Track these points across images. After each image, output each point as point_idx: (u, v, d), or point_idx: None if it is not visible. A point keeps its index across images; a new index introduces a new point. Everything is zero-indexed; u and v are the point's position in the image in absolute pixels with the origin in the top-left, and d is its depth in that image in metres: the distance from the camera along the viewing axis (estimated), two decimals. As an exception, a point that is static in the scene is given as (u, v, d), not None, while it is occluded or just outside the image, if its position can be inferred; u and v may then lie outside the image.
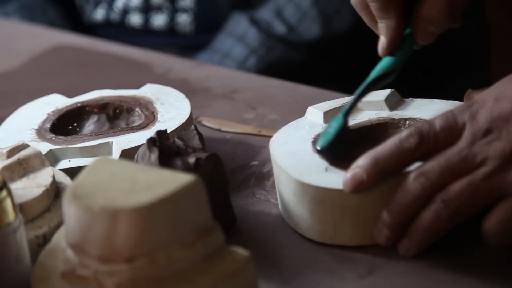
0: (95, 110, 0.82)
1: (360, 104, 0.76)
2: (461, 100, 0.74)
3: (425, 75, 1.28)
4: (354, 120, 0.74)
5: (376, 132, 0.73)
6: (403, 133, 0.66)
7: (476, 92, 0.73)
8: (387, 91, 0.76)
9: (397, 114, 0.74)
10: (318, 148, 0.70)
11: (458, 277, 0.64)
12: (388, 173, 0.65)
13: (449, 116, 0.65)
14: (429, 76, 1.29)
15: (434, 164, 0.64)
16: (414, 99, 0.76)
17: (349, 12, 1.23)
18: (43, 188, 0.67)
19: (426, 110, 0.74)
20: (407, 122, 0.73)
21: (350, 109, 0.71)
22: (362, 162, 0.65)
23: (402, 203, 0.65)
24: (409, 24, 0.73)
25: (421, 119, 0.73)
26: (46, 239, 0.65)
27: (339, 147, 0.70)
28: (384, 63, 0.73)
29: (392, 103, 0.75)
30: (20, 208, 0.65)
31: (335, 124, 0.71)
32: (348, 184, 0.65)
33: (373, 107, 0.75)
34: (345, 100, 0.76)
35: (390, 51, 0.73)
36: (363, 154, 0.66)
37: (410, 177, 0.64)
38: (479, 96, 0.68)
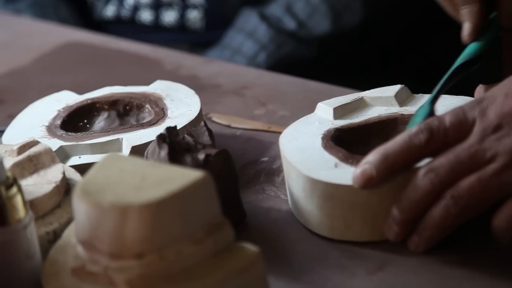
0: (105, 106, 0.82)
1: (370, 100, 0.76)
2: (471, 96, 0.74)
3: (435, 70, 1.27)
4: (364, 116, 0.74)
5: (386, 128, 0.73)
6: (413, 129, 0.65)
7: (486, 88, 0.73)
8: (397, 87, 0.76)
9: (407, 109, 0.74)
10: None
11: (468, 273, 0.64)
12: (398, 169, 0.65)
13: (459, 112, 0.65)
14: (439, 71, 1.28)
15: (444, 160, 0.64)
16: (424, 94, 0.76)
17: (359, 7, 1.23)
18: (53, 185, 0.67)
19: (436, 105, 0.74)
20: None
21: (436, 97, 0.70)
22: (371, 158, 0.65)
23: (411, 199, 0.64)
24: (493, 9, 0.72)
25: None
26: (56, 235, 0.65)
27: None
28: (470, 49, 0.72)
29: (402, 99, 0.75)
30: (31, 204, 0.65)
31: (422, 112, 0.70)
32: (358, 180, 0.65)
33: (383, 103, 0.75)
34: (355, 96, 0.76)
35: (475, 37, 0.72)
36: (373, 150, 0.66)
37: (419, 173, 0.64)
38: (489, 92, 0.68)
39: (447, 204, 0.63)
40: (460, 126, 0.65)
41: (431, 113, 0.69)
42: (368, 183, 0.65)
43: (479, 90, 0.73)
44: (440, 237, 0.65)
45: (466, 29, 0.72)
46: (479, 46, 0.72)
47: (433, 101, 0.70)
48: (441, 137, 0.65)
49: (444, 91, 0.71)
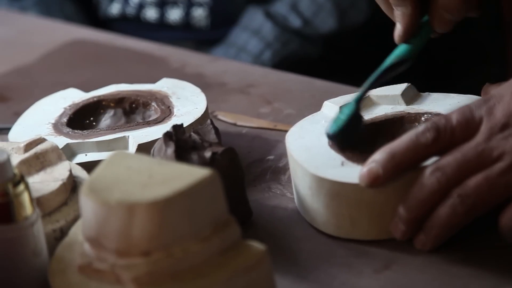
0: (112, 104, 0.82)
1: (376, 99, 0.76)
2: (478, 94, 0.74)
3: (442, 69, 1.27)
4: (371, 115, 0.74)
5: (392, 126, 0.73)
6: (420, 127, 0.65)
7: (493, 86, 0.72)
8: (404, 85, 0.76)
9: (414, 108, 0.74)
10: (329, 133, 0.70)
11: (474, 272, 0.64)
12: (404, 167, 0.65)
13: (466, 110, 0.65)
14: (446, 70, 1.28)
15: (451, 159, 0.64)
16: (430, 93, 0.76)
17: (364, 5, 1.23)
18: (60, 182, 0.67)
19: (442, 104, 0.74)
20: (424, 116, 0.73)
21: (362, 96, 0.71)
22: (378, 157, 0.65)
23: (418, 197, 0.64)
24: (426, 12, 0.73)
25: (437, 114, 0.72)
26: (63, 232, 0.65)
27: (350, 133, 0.70)
28: (400, 50, 0.73)
29: (408, 98, 0.75)
30: (37, 202, 0.65)
31: (347, 110, 0.71)
32: (364, 179, 0.65)
33: (389, 101, 0.75)
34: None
35: (406, 38, 0.73)
36: (379, 148, 0.66)
37: (426, 171, 0.64)
38: (496, 90, 0.68)
39: (454, 203, 0.63)
40: (467, 125, 0.65)
41: (356, 111, 0.70)
42: (375, 181, 0.65)
43: (486, 88, 0.73)
44: (447, 236, 0.65)
45: (398, 30, 0.73)
46: (409, 48, 0.72)
47: (359, 99, 0.71)
48: (448, 135, 0.65)
49: (370, 90, 0.72)
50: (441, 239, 0.65)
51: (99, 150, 0.76)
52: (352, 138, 0.70)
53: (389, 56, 0.73)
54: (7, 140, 0.81)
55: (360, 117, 0.71)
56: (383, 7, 0.75)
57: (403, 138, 0.65)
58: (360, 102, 0.71)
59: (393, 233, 0.66)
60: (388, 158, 0.65)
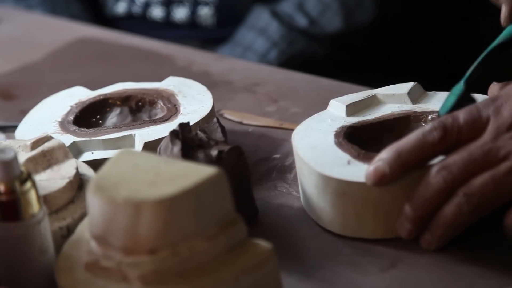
0: (118, 102, 0.83)
1: (383, 97, 0.76)
2: (485, 94, 0.74)
3: (449, 68, 1.27)
4: (377, 113, 0.74)
5: (399, 125, 0.73)
6: (426, 126, 0.65)
7: (500, 85, 0.72)
8: (410, 84, 0.76)
9: (420, 107, 0.74)
10: (440, 113, 0.69)
11: (481, 271, 0.64)
12: (411, 166, 0.65)
13: (473, 110, 0.65)
14: (452, 69, 1.28)
15: (457, 157, 0.64)
16: (437, 92, 0.76)
17: (370, 5, 1.22)
18: (66, 180, 0.67)
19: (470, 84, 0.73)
20: (430, 115, 0.73)
21: (472, 76, 0.70)
22: (384, 155, 0.65)
23: (424, 196, 0.64)
24: None
25: (444, 113, 0.72)
26: (69, 230, 0.66)
27: None
28: (507, 32, 0.72)
29: (415, 96, 0.75)
30: (44, 199, 0.65)
31: (456, 91, 0.69)
32: (371, 177, 0.65)
33: (395, 100, 0.75)
34: (367, 93, 0.76)
35: (511, 20, 0.72)
36: (385, 147, 0.66)
37: (432, 170, 0.64)
38: (503, 90, 0.67)
39: (460, 202, 0.63)
40: (474, 124, 0.65)
41: (466, 91, 0.69)
42: (381, 180, 0.65)
43: (493, 88, 0.73)
44: (453, 235, 0.65)
45: (503, 12, 0.73)
46: None
47: (468, 79, 0.70)
48: (454, 134, 0.65)
49: (480, 72, 0.71)
50: (446, 238, 0.65)
51: (106, 148, 0.76)
52: None
53: (497, 38, 0.72)
54: (14, 138, 0.81)
55: (470, 97, 0.69)
56: None
57: (409, 137, 0.65)
58: (469, 82, 0.69)
59: (399, 232, 0.66)
60: (394, 156, 0.65)
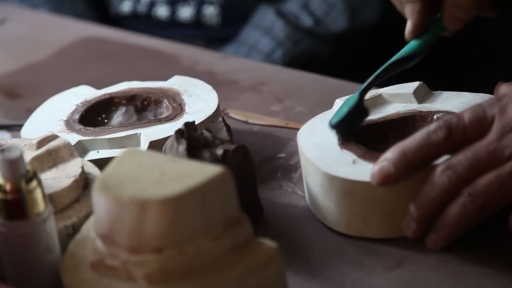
0: (123, 101, 0.83)
1: (388, 97, 0.76)
2: (491, 93, 0.74)
3: (454, 67, 1.27)
4: (382, 113, 0.74)
5: (404, 125, 0.73)
6: (431, 126, 0.65)
7: (506, 85, 0.72)
8: (416, 84, 0.76)
9: (426, 106, 0.74)
10: (330, 123, 0.70)
11: (486, 271, 0.64)
12: (416, 166, 0.65)
13: (478, 109, 0.65)
14: (458, 68, 1.28)
15: (462, 157, 0.64)
16: (442, 91, 0.76)
17: (376, 5, 1.22)
18: (72, 179, 0.68)
19: (454, 102, 0.73)
20: (436, 115, 0.73)
21: (366, 88, 0.72)
22: (389, 155, 0.65)
23: (429, 196, 0.64)
24: (438, 9, 0.73)
25: (449, 112, 0.72)
26: (75, 229, 0.66)
27: (351, 124, 0.70)
28: (409, 46, 0.73)
29: (420, 96, 0.75)
30: (50, 198, 0.65)
31: (350, 101, 0.71)
32: (376, 177, 0.65)
33: (401, 99, 0.75)
34: (373, 92, 0.76)
35: (415, 34, 0.73)
36: (391, 147, 0.66)
37: (437, 170, 0.64)
38: (509, 89, 0.67)
39: (465, 202, 0.63)
40: (479, 124, 0.65)
41: (359, 102, 0.71)
42: (386, 180, 0.65)
43: (498, 87, 0.72)
44: (458, 235, 0.65)
45: (408, 26, 0.73)
46: (418, 44, 0.73)
47: (363, 91, 0.71)
48: (459, 134, 0.65)
49: (376, 83, 0.72)
50: (452, 238, 0.65)
51: (111, 147, 0.76)
52: (353, 128, 0.70)
53: (399, 52, 0.73)
54: (19, 136, 0.81)
55: (364, 109, 0.71)
56: (395, 3, 0.75)
57: (414, 136, 0.65)
58: (363, 94, 0.71)
59: (404, 231, 0.66)
60: (399, 156, 0.65)
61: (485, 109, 0.65)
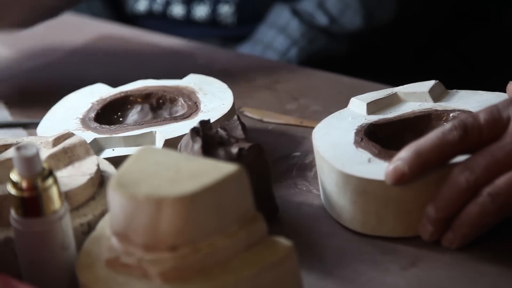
0: (139, 100, 0.83)
1: (403, 96, 0.75)
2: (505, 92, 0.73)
3: (470, 66, 1.26)
4: (397, 112, 0.74)
5: (420, 123, 0.73)
6: (447, 125, 0.65)
7: None
8: (431, 82, 0.75)
9: (441, 105, 0.74)
10: None
11: (502, 270, 0.63)
12: (430, 165, 0.65)
13: (494, 110, 0.65)
14: (474, 67, 1.27)
15: (480, 158, 0.64)
16: (458, 90, 0.76)
17: (391, 4, 1.22)
18: (88, 177, 0.68)
19: (470, 101, 0.73)
20: (451, 113, 0.72)
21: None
22: (404, 155, 0.65)
23: (446, 197, 0.64)
24: None
25: (465, 111, 0.72)
26: (90, 227, 0.66)
27: None
28: None
29: (436, 95, 0.75)
30: (65, 196, 0.65)
31: None
32: (390, 177, 0.65)
33: (416, 98, 0.75)
34: (388, 91, 0.76)
35: None
36: (406, 145, 0.66)
37: (455, 171, 0.64)
38: None
39: (485, 202, 0.63)
40: (495, 124, 0.65)
41: None
42: (400, 179, 0.65)
43: (511, 86, 0.72)
44: (475, 235, 0.65)
45: None
46: None
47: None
48: (475, 134, 0.65)
49: None
50: (468, 238, 0.65)
51: (126, 145, 0.77)
52: None
53: None
54: (35, 134, 0.81)
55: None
56: None
57: (429, 136, 0.65)
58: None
59: (421, 234, 0.66)
60: (414, 156, 0.65)
61: (500, 110, 0.65)
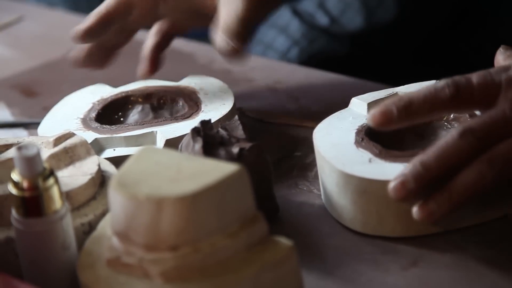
0: (140, 100, 0.83)
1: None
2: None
3: (470, 66, 1.26)
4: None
5: (420, 123, 0.73)
6: (439, 82, 0.64)
7: (506, 56, 0.70)
8: (432, 83, 0.75)
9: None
10: None
11: (502, 270, 0.63)
12: (418, 116, 0.63)
13: (486, 74, 0.64)
14: (474, 67, 1.27)
15: (480, 121, 0.62)
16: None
17: (392, 3, 1.22)
18: (88, 177, 0.68)
19: None
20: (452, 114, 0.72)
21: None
22: (394, 101, 0.63)
23: (443, 155, 0.61)
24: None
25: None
26: (91, 226, 0.66)
27: None
28: None
29: (436, 95, 0.75)
30: (66, 196, 0.65)
31: None
32: (376, 119, 0.63)
33: (417, 98, 0.75)
34: (389, 91, 0.76)
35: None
36: (407, 146, 0.66)
37: (454, 132, 0.62)
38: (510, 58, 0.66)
39: (483, 168, 0.60)
40: (487, 88, 0.63)
41: None
42: (387, 122, 0.63)
43: (499, 57, 0.70)
44: (463, 205, 0.61)
45: None
46: None
47: None
48: (467, 95, 0.63)
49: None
50: (454, 208, 0.61)
51: (127, 145, 0.77)
52: None
53: None
54: (36, 134, 0.81)
55: None
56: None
57: (421, 89, 0.63)
58: None
59: (394, 192, 0.62)
60: (406, 102, 0.63)
61: (493, 75, 0.63)
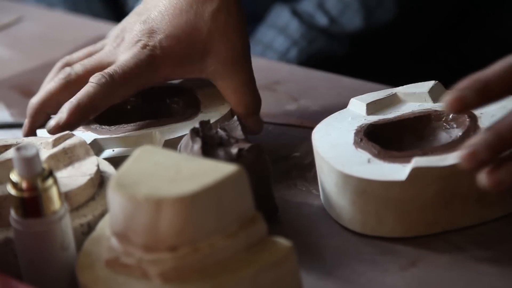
0: (139, 100, 0.83)
1: (403, 96, 0.76)
2: None
3: (470, 66, 1.26)
4: (397, 112, 0.74)
5: (419, 124, 0.73)
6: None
7: None
8: (431, 83, 0.76)
9: (441, 106, 0.74)
10: None
11: (502, 270, 0.63)
12: (495, 99, 0.60)
13: None
14: (473, 67, 1.27)
15: None
16: (458, 91, 0.76)
17: (391, 4, 1.22)
18: (87, 177, 0.68)
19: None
20: (451, 114, 0.72)
21: None
22: (466, 84, 0.60)
23: None
24: None
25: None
26: (90, 227, 0.66)
27: None
28: None
29: (435, 95, 0.75)
30: (65, 196, 0.65)
31: None
32: (450, 104, 0.60)
33: (416, 99, 0.75)
34: (388, 91, 0.76)
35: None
36: (406, 146, 0.66)
37: None
38: None
39: None
40: None
41: None
42: (463, 107, 0.59)
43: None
44: None
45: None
46: None
47: None
48: None
49: None
50: None
51: (126, 146, 0.77)
52: None
53: None
54: (35, 135, 0.81)
55: None
56: None
57: (495, 68, 0.61)
58: None
59: (466, 160, 0.59)
60: (481, 85, 0.60)
61: None
